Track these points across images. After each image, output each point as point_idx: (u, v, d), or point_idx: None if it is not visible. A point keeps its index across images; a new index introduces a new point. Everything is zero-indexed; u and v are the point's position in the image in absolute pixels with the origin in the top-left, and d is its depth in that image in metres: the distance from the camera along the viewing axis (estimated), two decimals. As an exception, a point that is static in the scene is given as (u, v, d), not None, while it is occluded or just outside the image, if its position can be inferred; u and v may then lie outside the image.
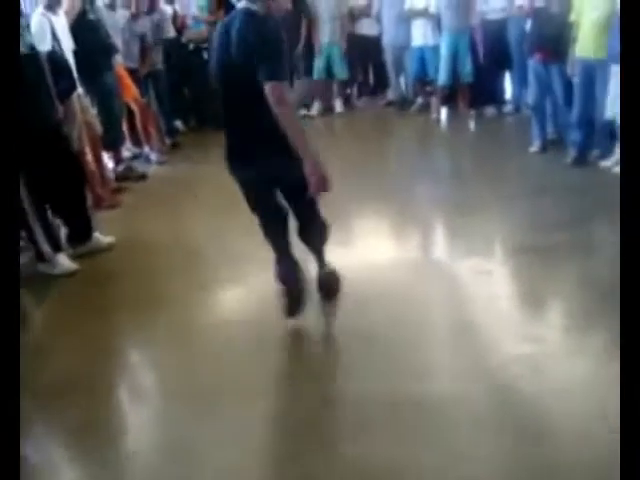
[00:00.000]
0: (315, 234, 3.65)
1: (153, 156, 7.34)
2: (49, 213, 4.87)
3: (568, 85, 6.16)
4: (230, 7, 3.90)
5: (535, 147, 6.66)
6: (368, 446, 2.80)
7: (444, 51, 8.15)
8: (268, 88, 2.98)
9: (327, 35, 8.75)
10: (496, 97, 8.51)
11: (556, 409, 2.92)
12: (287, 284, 3.61)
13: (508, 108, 8.43)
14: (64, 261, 4.70)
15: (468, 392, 3.08)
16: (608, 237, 4.50)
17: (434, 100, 8.58)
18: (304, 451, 2.83)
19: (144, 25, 7.24)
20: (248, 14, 3.13)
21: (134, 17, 7.08)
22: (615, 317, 2.19)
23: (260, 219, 3.49)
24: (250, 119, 3.19)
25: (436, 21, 8.22)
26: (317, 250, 3.74)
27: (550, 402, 2.97)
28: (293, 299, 3.65)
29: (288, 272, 3.61)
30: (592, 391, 3.00)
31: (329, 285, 3.84)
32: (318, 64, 8.86)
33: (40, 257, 4.67)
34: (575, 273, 4.23)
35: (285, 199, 3.46)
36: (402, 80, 9.12)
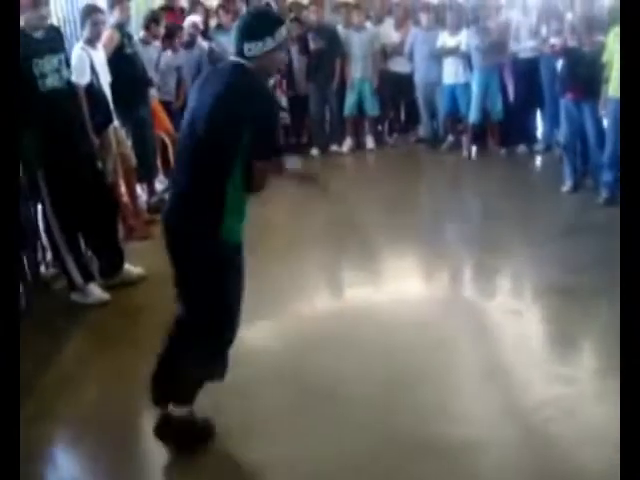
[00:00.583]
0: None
1: (185, 189, 7.41)
2: (81, 243, 4.93)
3: (600, 125, 6.15)
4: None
5: (567, 187, 6.63)
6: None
7: (475, 89, 8.19)
8: (257, 165, 2.76)
9: (359, 71, 8.80)
10: (527, 135, 8.50)
11: (588, 453, 2.86)
12: None
13: (539, 147, 8.41)
14: (96, 291, 4.74)
15: (496, 435, 3.05)
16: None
17: (465, 138, 8.60)
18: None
19: (180, 59, 7.37)
20: (239, 70, 2.82)
21: (168, 49, 7.20)
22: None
23: None
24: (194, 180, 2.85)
25: (467, 59, 8.27)
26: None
27: (581, 445, 2.92)
28: None
29: None
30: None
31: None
32: (350, 100, 8.93)
33: (73, 286, 4.72)
34: (606, 314, 4.18)
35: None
36: (433, 117, 9.14)
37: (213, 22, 8.68)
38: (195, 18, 7.79)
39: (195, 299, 3.00)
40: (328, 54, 8.63)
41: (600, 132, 6.17)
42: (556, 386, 3.38)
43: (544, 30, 7.77)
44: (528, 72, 7.96)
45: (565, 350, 3.89)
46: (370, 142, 9.21)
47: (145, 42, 6.91)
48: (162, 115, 6.98)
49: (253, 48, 2.78)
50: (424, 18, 8.57)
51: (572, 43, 6.46)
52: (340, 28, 8.88)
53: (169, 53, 7.22)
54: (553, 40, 7.18)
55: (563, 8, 7.78)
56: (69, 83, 4.67)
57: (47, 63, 4.38)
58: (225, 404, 3.36)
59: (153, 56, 7.00)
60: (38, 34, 4.40)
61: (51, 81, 4.41)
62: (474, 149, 8.55)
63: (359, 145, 9.21)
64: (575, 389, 3.35)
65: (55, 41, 4.58)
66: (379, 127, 9.64)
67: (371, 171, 8.82)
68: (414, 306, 4.45)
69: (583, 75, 6.09)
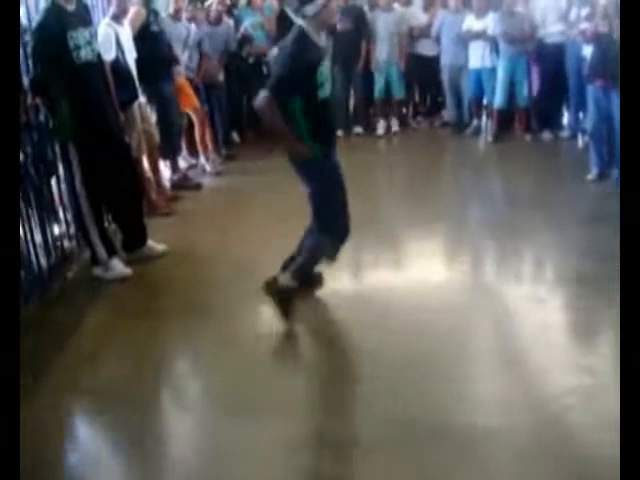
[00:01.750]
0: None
1: (208, 167, 7.44)
2: (106, 217, 4.96)
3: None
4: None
5: (592, 175, 6.55)
6: (410, 476, 2.79)
7: (501, 74, 8.10)
8: None
9: (385, 53, 8.74)
10: (553, 122, 8.41)
11: (608, 445, 2.82)
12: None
13: (564, 134, 8.32)
14: (118, 266, 4.77)
15: (515, 424, 3.03)
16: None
17: (490, 123, 8.53)
18: (344, 471, 2.83)
19: (203, 34, 7.34)
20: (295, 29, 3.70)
21: (192, 23, 7.17)
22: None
23: None
24: None
25: (494, 43, 8.18)
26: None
27: (601, 436, 2.88)
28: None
29: None
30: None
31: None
32: (379, 83, 8.87)
33: (95, 260, 4.76)
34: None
35: None
36: (458, 101, 9.06)
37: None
38: (223, -6, 7.75)
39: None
40: (354, 35, 8.55)
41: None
42: (577, 376, 3.34)
43: (573, 14, 7.65)
44: (554, 57, 7.85)
45: (587, 339, 3.86)
46: (395, 125, 9.16)
47: (175, 18, 6.88)
48: (189, 92, 6.96)
49: (309, 10, 3.58)
50: (452, 0, 8.48)
51: (603, 29, 6.35)
52: (367, 8, 8.81)
53: (193, 27, 7.17)
54: (584, 25, 7.06)
55: (595, -8, 7.65)
56: (99, 56, 4.69)
57: (80, 35, 4.40)
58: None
59: (182, 33, 6.98)
60: (70, 7, 4.42)
61: (84, 53, 4.44)
62: (498, 134, 8.46)
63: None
64: (597, 380, 3.31)
65: (84, 15, 4.60)
66: (404, 110, 9.57)
67: (396, 154, 8.76)
68: (434, 290, 4.43)
69: (613, 62, 5.99)
